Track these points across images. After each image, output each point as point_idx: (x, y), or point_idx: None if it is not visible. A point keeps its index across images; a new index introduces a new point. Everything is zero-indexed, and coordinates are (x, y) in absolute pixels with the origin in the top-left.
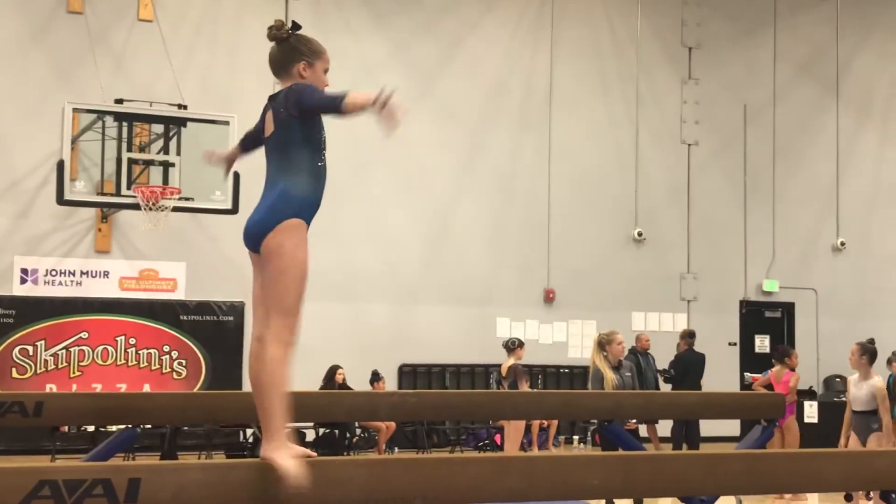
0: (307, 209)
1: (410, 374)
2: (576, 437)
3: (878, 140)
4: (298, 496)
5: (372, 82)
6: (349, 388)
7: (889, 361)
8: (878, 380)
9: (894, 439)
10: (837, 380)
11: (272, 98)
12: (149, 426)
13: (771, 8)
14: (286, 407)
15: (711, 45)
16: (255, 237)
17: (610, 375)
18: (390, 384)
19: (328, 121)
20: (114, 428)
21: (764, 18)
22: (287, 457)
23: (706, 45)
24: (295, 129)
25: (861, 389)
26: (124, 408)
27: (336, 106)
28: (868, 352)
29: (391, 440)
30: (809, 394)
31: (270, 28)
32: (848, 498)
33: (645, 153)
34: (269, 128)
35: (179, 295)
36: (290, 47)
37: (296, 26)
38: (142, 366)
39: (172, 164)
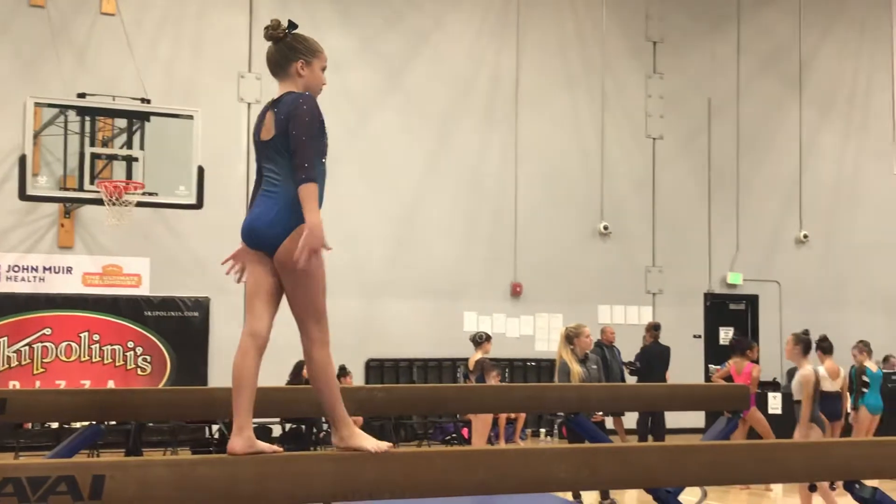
0: None
1: (378, 368)
2: (542, 430)
3: (841, 134)
4: (265, 491)
5: (339, 77)
6: None
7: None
8: (808, 369)
9: (817, 430)
10: None
11: (274, 102)
12: (113, 423)
13: (734, 3)
14: (340, 398)
15: (676, 40)
16: (261, 239)
17: (577, 369)
18: (358, 379)
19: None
20: (78, 425)
21: (727, 13)
22: (361, 438)
23: (670, 40)
24: None
25: (794, 379)
26: (88, 404)
27: (299, 178)
28: (802, 342)
29: None
30: (773, 385)
31: (267, 28)
32: (812, 488)
33: (610, 147)
34: (270, 131)
35: (144, 291)
36: (287, 46)
37: (292, 25)
38: (106, 362)
39: (136, 159)
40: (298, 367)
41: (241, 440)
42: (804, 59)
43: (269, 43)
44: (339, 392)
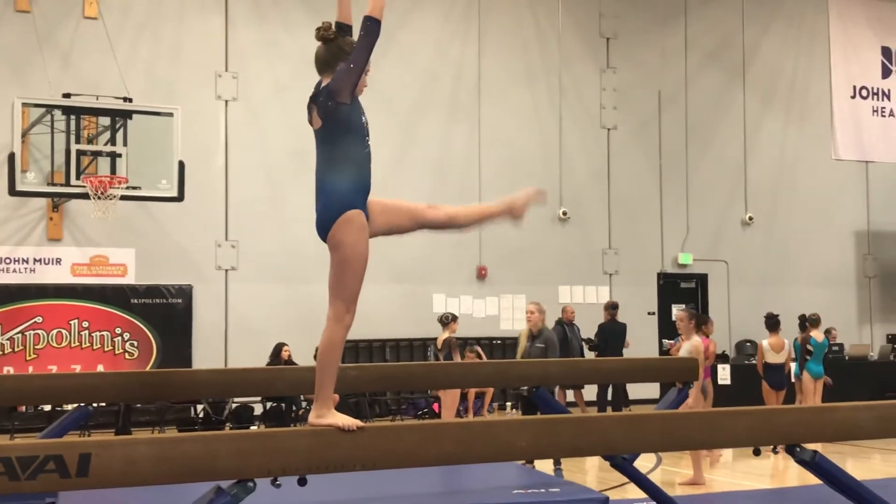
0: (360, 196)
1: (352, 348)
2: (509, 404)
3: (782, 121)
4: (244, 466)
5: (312, 74)
6: (294, 364)
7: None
8: (696, 339)
9: (701, 401)
10: (748, 344)
11: (314, 97)
12: (103, 404)
13: (682, 0)
14: (334, 380)
15: (627, 36)
16: (321, 229)
17: (522, 345)
18: None
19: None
20: (69, 407)
21: (675, 10)
22: (333, 416)
23: (623, 36)
24: (340, 118)
25: (683, 350)
26: (78, 387)
27: (375, 31)
28: (694, 317)
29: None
30: (722, 358)
31: (318, 29)
32: (756, 452)
33: (568, 138)
34: (317, 122)
35: (129, 280)
36: (336, 47)
37: (341, 28)
38: (95, 347)
39: (119, 155)
40: (277, 350)
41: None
42: (747, 52)
43: (319, 43)
44: (333, 374)
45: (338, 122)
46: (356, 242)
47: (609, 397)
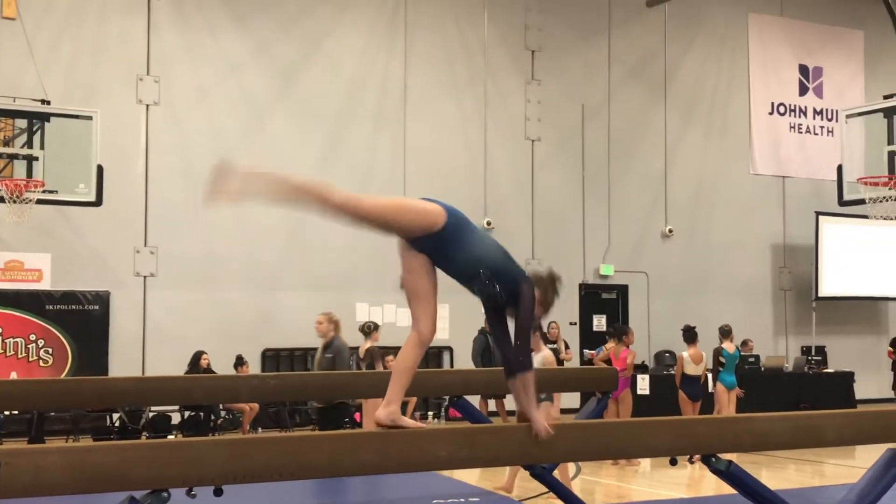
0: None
1: (274, 357)
2: (430, 413)
3: (702, 136)
4: (159, 476)
5: (235, 80)
6: (213, 372)
7: (721, 336)
8: (546, 351)
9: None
10: (667, 354)
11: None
12: (16, 412)
13: (606, 15)
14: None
15: (552, 49)
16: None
17: (318, 355)
18: (254, 368)
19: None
20: None
21: (599, 25)
22: (402, 420)
23: (547, 49)
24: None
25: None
26: None
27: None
28: (540, 331)
29: (255, 421)
30: (642, 368)
31: None
32: (673, 462)
33: (493, 149)
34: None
35: (45, 285)
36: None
37: None
38: (8, 354)
39: (36, 158)
40: (196, 358)
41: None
42: (669, 68)
43: None
44: (408, 381)
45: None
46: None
47: None
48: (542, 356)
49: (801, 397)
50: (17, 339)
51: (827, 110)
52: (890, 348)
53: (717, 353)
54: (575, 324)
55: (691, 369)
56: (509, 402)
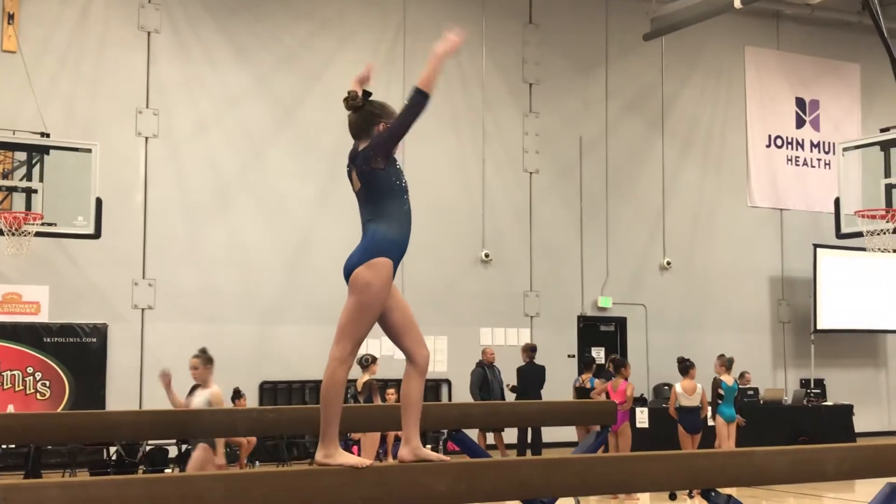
0: (396, 250)
1: (271, 390)
2: (429, 446)
3: (699, 170)
4: None
5: (235, 113)
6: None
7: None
8: (214, 388)
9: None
10: (666, 387)
11: (353, 158)
12: (13, 446)
13: (603, 49)
14: (338, 419)
15: (550, 82)
16: (350, 267)
17: None
18: (252, 401)
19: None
20: None
21: (597, 59)
22: (341, 456)
23: (545, 82)
24: (379, 180)
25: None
26: None
27: (420, 103)
28: (209, 363)
29: (253, 454)
30: (640, 401)
31: (346, 99)
32: (672, 496)
33: (491, 181)
34: (357, 184)
35: (43, 318)
36: (367, 113)
37: (367, 94)
38: (6, 387)
39: (35, 191)
40: (194, 391)
41: (409, 449)
42: (666, 102)
43: (350, 112)
44: (338, 412)
45: (377, 184)
46: (381, 289)
47: (529, 440)
48: (208, 392)
49: (800, 430)
50: (15, 372)
51: (824, 143)
52: None
53: (716, 385)
54: (573, 356)
55: (686, 401)
56: (508, 436)
